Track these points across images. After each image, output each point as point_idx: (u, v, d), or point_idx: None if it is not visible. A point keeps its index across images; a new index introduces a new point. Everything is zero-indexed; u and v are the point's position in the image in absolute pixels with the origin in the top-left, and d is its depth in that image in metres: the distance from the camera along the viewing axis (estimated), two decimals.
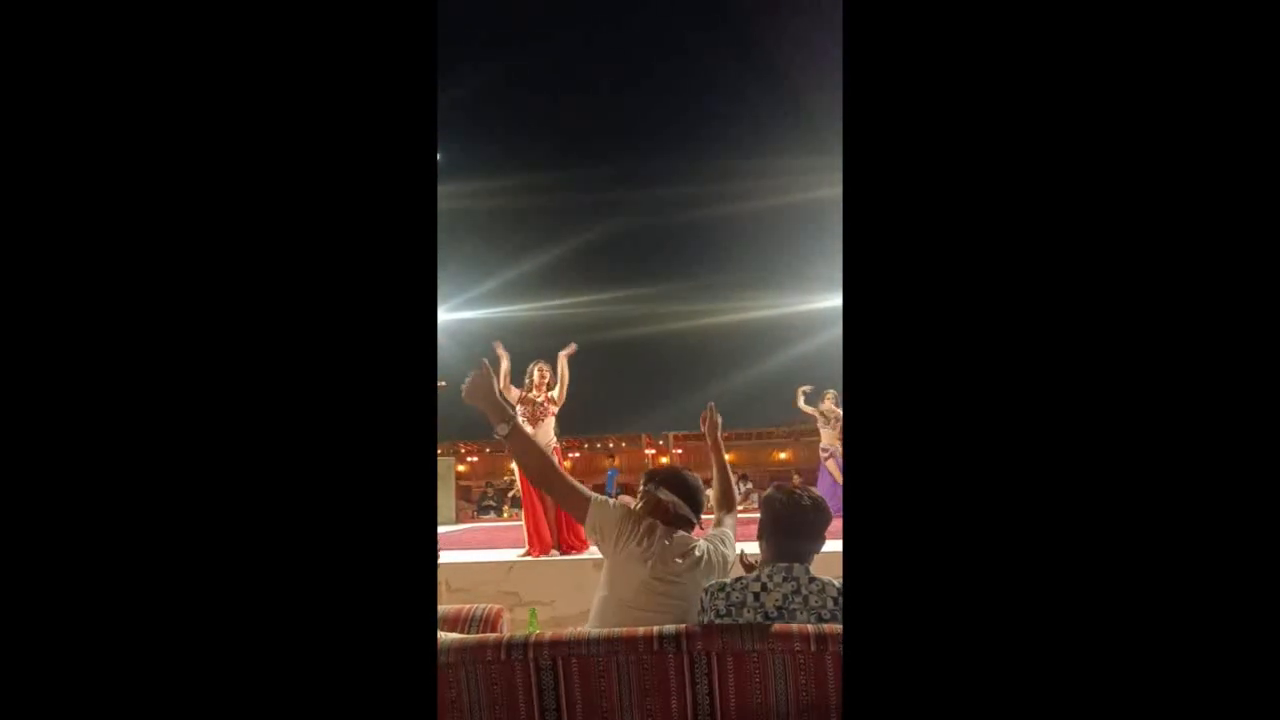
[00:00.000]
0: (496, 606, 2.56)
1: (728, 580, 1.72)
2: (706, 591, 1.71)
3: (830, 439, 7.51)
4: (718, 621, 1.65)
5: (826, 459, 7.51)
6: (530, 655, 1.51)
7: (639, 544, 1.87)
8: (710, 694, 1.48)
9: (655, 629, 1.55)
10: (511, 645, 1.53)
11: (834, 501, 6.77)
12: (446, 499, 8.60)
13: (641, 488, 2.08)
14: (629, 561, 1.87)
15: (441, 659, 1.52)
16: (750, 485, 12.62)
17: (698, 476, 2.09)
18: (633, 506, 2.02)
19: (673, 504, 1.96)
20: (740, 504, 11.48)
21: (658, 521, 1.94)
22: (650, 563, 1.85)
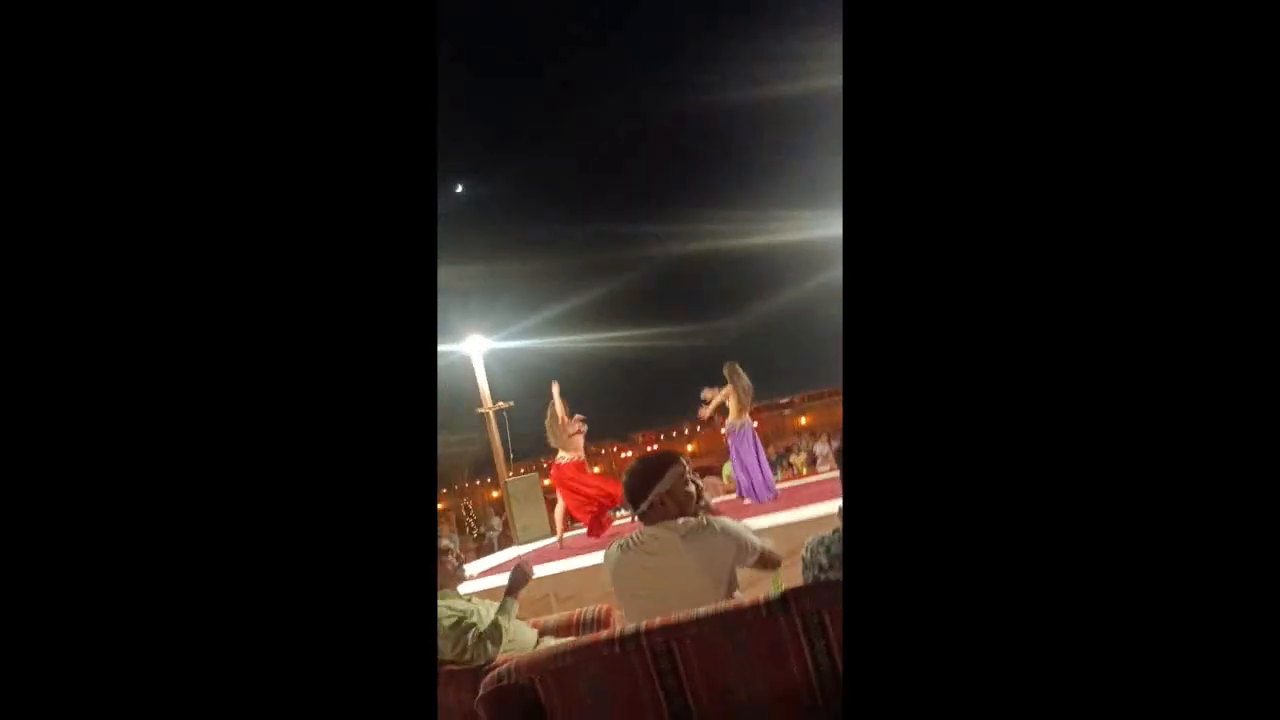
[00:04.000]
0: (605, 605, 2.58)
1: (827, 534, 1.69)
2: (807, 548, 1.69)
3: (738, 414, 6.08)
4: (822, 577, 1.64)
5: (739, 430, 6.07)
6: (645, 644, 1.52)
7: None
8: (828, 650, 1.46)
9: (762, 596, 1.54)
10: (624, 638, 1.54)
11: (758, 489, 5.98)
12: (539, 514, 8.75)
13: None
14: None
15: (558, 663, 1.54)
16: (838, 444, 12.43)
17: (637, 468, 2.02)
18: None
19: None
20: (825, 464, 11.20)
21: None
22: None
